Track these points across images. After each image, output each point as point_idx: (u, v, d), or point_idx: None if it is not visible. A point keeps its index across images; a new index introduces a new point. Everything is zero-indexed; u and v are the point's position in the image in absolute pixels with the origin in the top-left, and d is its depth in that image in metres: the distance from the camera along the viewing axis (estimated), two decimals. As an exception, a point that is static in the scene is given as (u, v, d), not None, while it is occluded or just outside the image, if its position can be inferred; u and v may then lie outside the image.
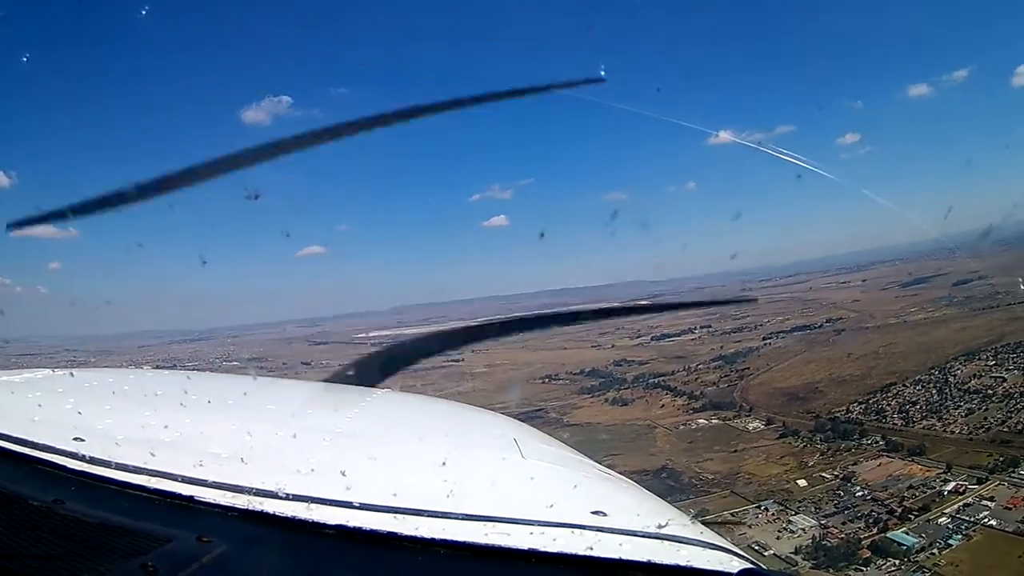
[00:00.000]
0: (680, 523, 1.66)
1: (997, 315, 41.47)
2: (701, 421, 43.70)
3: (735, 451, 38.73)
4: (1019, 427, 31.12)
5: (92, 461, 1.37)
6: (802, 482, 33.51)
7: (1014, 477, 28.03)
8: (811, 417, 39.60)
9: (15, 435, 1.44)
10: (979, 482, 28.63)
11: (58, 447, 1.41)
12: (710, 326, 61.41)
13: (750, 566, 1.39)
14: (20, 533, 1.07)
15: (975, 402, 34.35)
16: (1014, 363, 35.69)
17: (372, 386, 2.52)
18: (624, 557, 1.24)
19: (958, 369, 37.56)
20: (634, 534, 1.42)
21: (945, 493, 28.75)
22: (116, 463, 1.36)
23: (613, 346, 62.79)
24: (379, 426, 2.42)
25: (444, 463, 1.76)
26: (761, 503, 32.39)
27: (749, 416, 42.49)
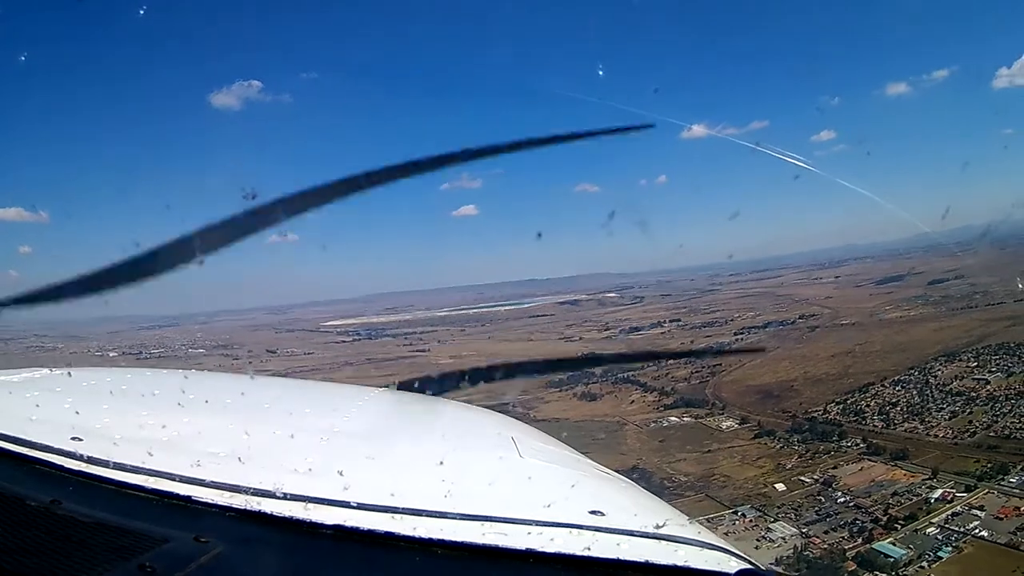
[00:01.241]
0: (678, 523, 1.65)
1: (976, 315, 40.97)
2: (673, 419, 42.29)
3: (709, 451, 37.43)
4: (1006, 432, 30.12)
5: (90, 461, 1.38)
6: (780, 486, 32.14)
7: (1003, 485, 26.94)
8: (787, 417, 38.38)
9: (13, 435, 1.45)
10: (967, 489, 27.57)
11: (56, 447, 1.41)
12: (680, 320, 60.63)
13: (748, 566, 1.38)
14: (18, 533, 1.07)
15: (958, 405, 33.41)
16: (997, 365, 34.89)
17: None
18: (622, 557, 1.25)
19: (938, 370, 36.65)
20: (632, 534, 1.42)
21: (932, 501, 27.64)
22: (114, 463, 1.36)
23: (581, 339, 61.51)
24: (376, 426, 2.38)
25: (441, 462, 1.74)
26: (738, 508, 30.89)
27: (722, 414, 41.27)
